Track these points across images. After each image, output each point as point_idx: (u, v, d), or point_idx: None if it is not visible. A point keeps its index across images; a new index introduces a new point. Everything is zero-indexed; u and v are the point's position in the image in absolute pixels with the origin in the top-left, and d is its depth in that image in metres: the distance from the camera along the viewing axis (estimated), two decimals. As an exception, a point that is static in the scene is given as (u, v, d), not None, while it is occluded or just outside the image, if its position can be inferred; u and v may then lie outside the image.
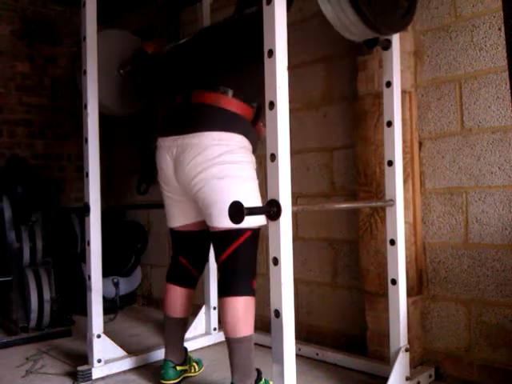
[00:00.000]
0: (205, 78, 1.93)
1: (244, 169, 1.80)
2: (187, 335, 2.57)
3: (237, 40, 1.92)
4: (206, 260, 2.20)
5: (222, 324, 1.80)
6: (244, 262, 1.81)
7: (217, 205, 1.77)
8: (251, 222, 1.70)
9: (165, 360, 2.07)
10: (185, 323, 2.13)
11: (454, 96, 2.05)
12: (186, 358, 2.14)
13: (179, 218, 2.03)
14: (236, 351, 1.77)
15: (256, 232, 1.83)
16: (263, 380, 1.89)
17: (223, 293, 1.80)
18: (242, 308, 1.76)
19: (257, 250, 1.87)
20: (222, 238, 1.81)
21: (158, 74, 2.14)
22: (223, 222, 1.73)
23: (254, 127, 1.94)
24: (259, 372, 1.89)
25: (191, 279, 2.09)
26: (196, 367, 2.20)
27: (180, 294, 2.06)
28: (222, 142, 1.79)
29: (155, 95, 2.31)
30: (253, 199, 1.80)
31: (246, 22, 1.94)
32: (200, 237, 2.04)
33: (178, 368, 2.07)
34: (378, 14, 1.60)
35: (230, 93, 1.86)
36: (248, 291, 1.78)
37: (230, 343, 1.78)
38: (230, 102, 1.85)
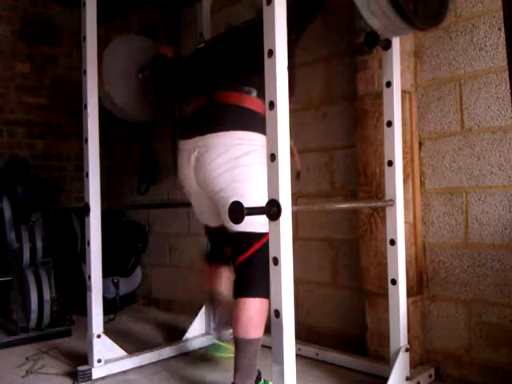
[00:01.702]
0: (229, 79, 1.93)
1: (265, 170, 1.80)
2: (187, 335, 2.58)
3: (261, 41, 1.92)
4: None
5: (234, 324, 1.80)
6: (261, 265, 1.73)
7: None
8: (266, 227, 1.70)
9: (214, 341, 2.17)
10: (225, 302, 2.14)
11: (453, 96, 2.05)
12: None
13: (210, 220, 2.07)
14: (243, 352, 1.77)
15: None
16: (262, 380, 1.90)
17: (239, 293, 1.81)
18: (257, 310, 1.77)
19: None
20: (242, 241, 1.82)
21: (181, 77, 2.17)
22: (243, 225, 1.68)
23: None
24: (259, 372, 1.89)
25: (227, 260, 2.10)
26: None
27: (222, 271, 2.12)
28: (245, 141, 1.78)
29: (179, 98, 2.37)
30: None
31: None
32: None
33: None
34: (423, 16, 1.65)
35: (254, 93, 1.84)
36: (263, 293, 1.77)
37: (239, 343, 1.78)
38: (254, 102, 1.84)
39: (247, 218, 1.43)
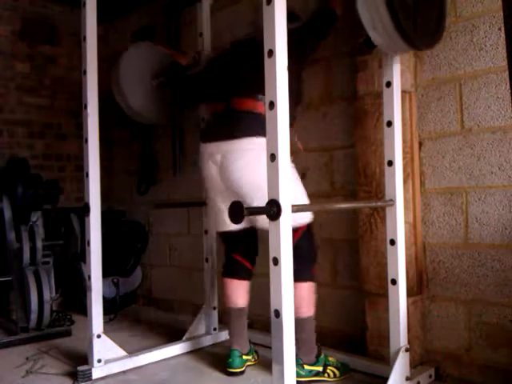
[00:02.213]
0: (245, 87, 2.06)
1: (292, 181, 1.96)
2: (187, 335, 2.58)
3: None
4: (257, 253, 2.29)
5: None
6: (304, 254, 2.00)
7: None
8: (301, 220, 1.97)
9: (232, 349, 2.19)
10: (245, 313, 2.26)
11: (453, 96, 2.05)
12: (250, 348, 2.28)
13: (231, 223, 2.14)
14: (301, 329, 1.97)
15: (309, 226, 2.07)
16: (323, 355, 2.11)
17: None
18: (305, 292, 2.02)
19: (314, 240, 2.12)
20: None
21: (198, 84, 2.34)
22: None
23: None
24: (319, 347, 2.10)
25: (246, 272, 2.25)
26: (256, 356, 2.32)
27: (237, 286, 2.23)
28: (261, 146, 1.81)
29: (194, 103, 2.57)
30: (301, 199, 2.00)
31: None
32: (250, 233, 2.20)
33: (244, 357, 2.21)
34: (421, 35, 1.73)
35: None
36: (309, 277, 2.03)
37: (297, 323, 1.90)
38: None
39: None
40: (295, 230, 1.89)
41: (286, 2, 1.40)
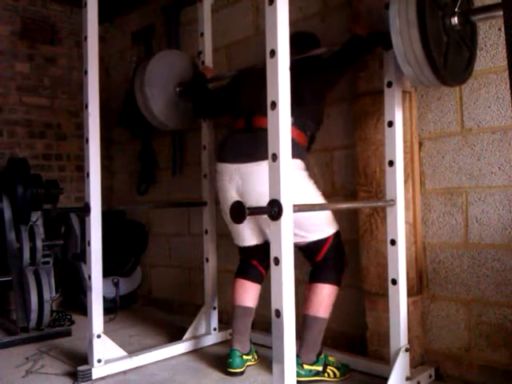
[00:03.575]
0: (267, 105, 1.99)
1: (304, 186, 2.03)
2: (187, 335, 2.58)
3: (302, 76, 2.00)
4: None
5: (305, 304, 2.07)
6: (333, 261, 2.10)
7: (296, 225, 1.76)
8: (328, 231, 2.07)
9: (232, 349, 2.18)
10: (251, 313, 2.26)
11: (454, 96, 2.05)
12: (251, 348, 2.27)
13: (250, 239, 2.23)
14: (310, 328, 2.04)
15: (337, 235, 2.12)
16: (323, 355, 2.10)
17: (313, 279, 2.09)
18: (328, 293, 2.06)
19: (342, 250, 2.14)
20: (310, 248, 2.10)
21: (220, 97, 2.40)
22: (309, 236, 2.05)
23: (307, 152, 2.17)
24: (321, 347, 2.10)
25: (259, 276, 2.28)
26: (255, 356, 2.31)
27: (249, 288, 2.25)
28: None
29: (214, 115, 2.61)
30: (316, 199, 2.06)
31: (313, 62, 2.12)
32: (266, 246, 2.14)
33: (244, 357, 2.20)
34: (451, 72, 1.76)
35: (291, 120, 1.84)
36: (334, 280, 2.08)
37: (308, 320, 2.05)
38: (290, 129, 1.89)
39: (310, 230, 1.99)
40: (324, 241, 2.07)
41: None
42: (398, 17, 1.67)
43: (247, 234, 2.22)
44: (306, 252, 2.13)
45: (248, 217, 1.87)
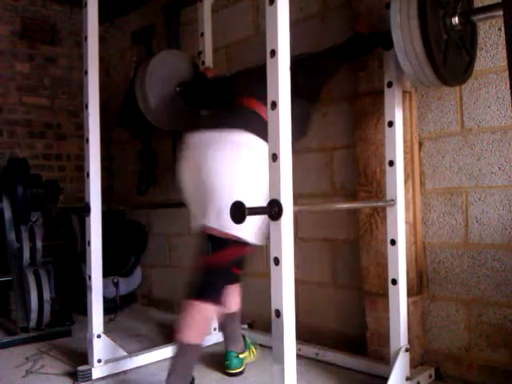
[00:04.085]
0: (258, 93, 1.88)
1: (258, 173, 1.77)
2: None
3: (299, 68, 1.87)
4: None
5: (178, 325, 1.80)
6: (221, 276, 1.85)
7: (219, 206, 1.74)
8: (254, 237, 1.78)
9: (227, 351, 2.20)
10: (237, 316, 2.25)
11: (454, 96, 2.05)
12: (245, 345, 2.27)
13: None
14: (180, 356, 1.79)
15: (253, 248, 1.84)
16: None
17: (190, 295, 1.82)
18: (202, 314, 1.79)
19: (242, 267, 1.97)
20: (216, 244, 1.82)
21: (216, 89, 2.32)
22: (221, 226, 1.76)
23: None
24: (193, 379, 1.95)
25: (235, 277, 2.12)
26: (254, 351, 2.32)
27: (229, 292, 2.08)
28: (250, 143, 1.78)
29: (211, 106, 2.46)
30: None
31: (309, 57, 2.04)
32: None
33: (241, 356, 2.21)
34: (450, 71, 1.76)
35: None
36: (215, 299, 1.81)
37: (180, 346, 1.79)
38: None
39: (242, 226, 1.51)
40: (240, 246, 1.79)
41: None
42: (399, 13, 1.68)
43: (201, 209, 1.91)
44: (211, 243, 1.86)
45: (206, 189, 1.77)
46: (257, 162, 1.76)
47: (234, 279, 2.02)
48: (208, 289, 1.81)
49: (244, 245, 1.80)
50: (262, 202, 1.62)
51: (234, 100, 2.01)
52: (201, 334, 1.83)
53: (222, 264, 1.84)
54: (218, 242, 1.81)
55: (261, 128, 1.76)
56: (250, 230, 1.76)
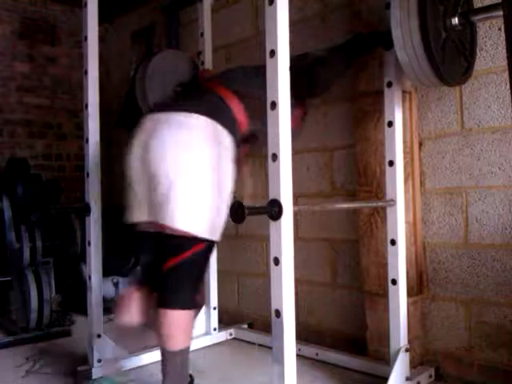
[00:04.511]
0: (227, 80, 1.90)
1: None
2: (187, 335, 2.57)
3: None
4: None
5: (157, 335, 1.71)
6: (189, 277, 1.69)
7: (173, 201, 1.58)
8: (210, 233, 1.62)
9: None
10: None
11: (454, 96, 2.05)
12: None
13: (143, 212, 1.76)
14: (169, 363, 1.70)
15: (211, 245, 1.69)
16: None
17: (162, 304, 1.67)
18: (180, 322, 1.67)
19: (207, 264, 1.79)
20: (176, 242, 1.65)
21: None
22: (180, 223, 1.59)
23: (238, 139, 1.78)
24: (191, 378, 1.88)
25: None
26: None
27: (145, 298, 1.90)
28: (199, 125, 1.67)
29: None
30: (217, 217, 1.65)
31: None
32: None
33: None
34: (450, 71, 1.75)
35: (240, 96, 1.78)
36: (190, 304, 1.68)
37: (165, 354, 1.72)
38: (232, 100, 1.78)
39: (186, 218, 1.50)
40: (196, 243, 1.62)
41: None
42: (399, 13, 1.68)
43: (142, 202, 1.72)
44: (163, 246, 1.71)
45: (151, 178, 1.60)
46: (209, 147, 1.63)
47: (199, 277, 1.78)
48: (176, 295, 1.67)
49: (200, 241, 1.63)
50: (212, 191, 1.61)
51: (198, 84, 1.93)
52: (185, 339, 1.70)
53: (183, 265, 1.66)
54: (171, 241, 1.65)
55: (221, 113, 1.73)
56: (201, 225, 1.60)
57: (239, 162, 1.85)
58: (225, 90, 1.81)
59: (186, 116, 1.66)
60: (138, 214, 1.73)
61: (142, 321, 1.81)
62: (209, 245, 1.67)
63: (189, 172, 1.60)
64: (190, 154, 1.62)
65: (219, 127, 1.67)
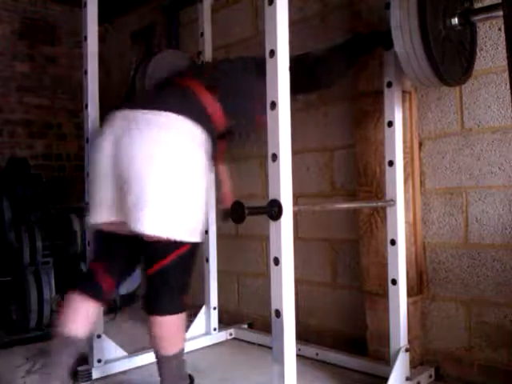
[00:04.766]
0: (200, 77, 1.87)
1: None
2: (187, 335, 2.57)
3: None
4: None
5: (150, 341, 1.68)
6: (177, 278, 1.64)
7: (152, 205, 1.52)
8: (190, 235, 1.58)
9: None
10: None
11: (453, 96, 2.05)
12: None
13: (110, 212, 1.68)
14: (165, 367, 1.70)
15: (194, 248, 1.65)
16: None
17: (152, 311, 1.63)
18: (172, 327, 1.64)
19: (192, 266, 1.71)
20: (158, 248, 1.60)
21: None
22: (160, 229, 1.54)
23: (215, 142, 1.74)
24: (191, 379, 1.87)
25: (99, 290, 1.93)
26: None
27: (89, 307, 1.90)
28: (174, 124, 1.61)
29: None
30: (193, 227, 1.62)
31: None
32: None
33: None
34: (450, 71, 1.76)
35: (215, 93, 1.74)
36: (179, 309, 1.64)
37: (160, 359, 1.70)
38: (207, 96, 1.73)
39: (161, 223, 1.48)
40: (178, 246, 1.58)
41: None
42: (398, 13, 1.68)
43: (110, 201, 1.62)
44: (145, 252, 1.68)
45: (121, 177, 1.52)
46: (183, 147, 1.58)
47: (186, 279, 1.71)
48: (164, 301, 1.63)
49: (181, 244, 1.58)
50: (186, 191, 1.57)
51: (172, 80, 1.87)
52: (178, 342, 1.68)
53: (168, 269, 1.61)
54: (152, 245, 1.60)
55: (193, 109, 1.67)
56: (178, 228, 1.56)
57: (215, 159, 1.82)
58: (198, 86, 1.74)
59: (155, 114, 1.59)
60: (105, 214, 1.63)
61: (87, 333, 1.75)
62: (191, 246, 1.62)
63: (160, 174, 1.54)
64: (162, 154, 1.55)
65: (191, 124, 1.62)
